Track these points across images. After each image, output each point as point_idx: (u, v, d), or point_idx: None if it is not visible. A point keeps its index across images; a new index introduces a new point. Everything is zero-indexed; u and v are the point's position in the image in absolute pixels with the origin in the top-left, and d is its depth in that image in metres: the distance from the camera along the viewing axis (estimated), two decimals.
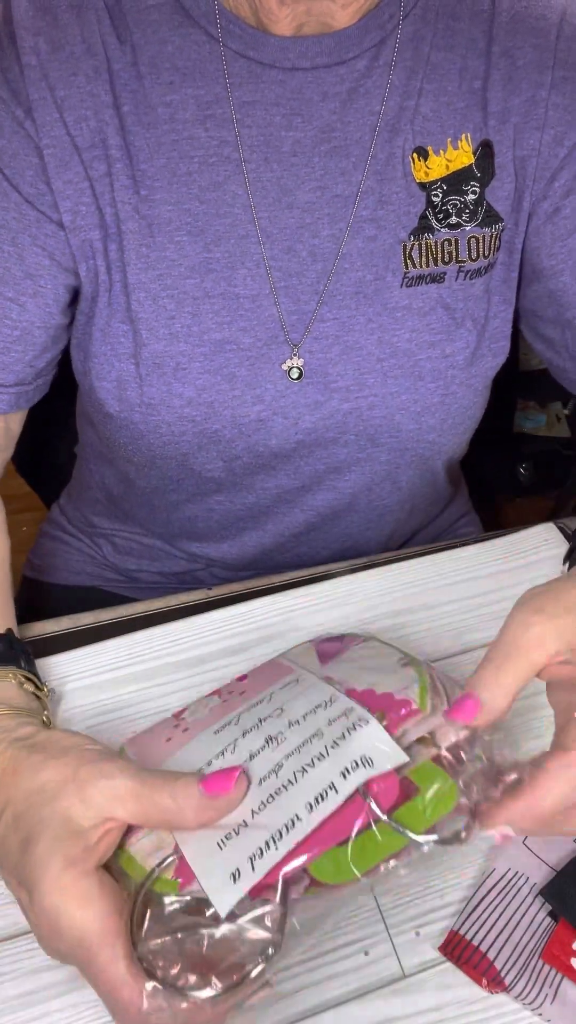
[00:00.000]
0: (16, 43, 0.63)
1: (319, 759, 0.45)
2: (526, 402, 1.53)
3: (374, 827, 0.43)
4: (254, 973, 0.41)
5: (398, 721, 0.46)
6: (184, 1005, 0.41)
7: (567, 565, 0.72)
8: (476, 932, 0.52)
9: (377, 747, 0.45)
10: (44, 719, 0.59)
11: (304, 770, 0.45)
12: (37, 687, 0.60)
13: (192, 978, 0.41)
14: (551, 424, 1.57)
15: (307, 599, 0.71)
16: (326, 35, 0.64)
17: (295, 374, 0.70)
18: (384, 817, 0.43)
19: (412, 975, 0.52)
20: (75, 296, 0.70)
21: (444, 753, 0.45)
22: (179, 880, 0.44)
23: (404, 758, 0.44)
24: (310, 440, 0.73)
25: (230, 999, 0.41)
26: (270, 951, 0.41)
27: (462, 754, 0.45)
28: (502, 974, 0.51)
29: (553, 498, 1.28)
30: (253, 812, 0.45)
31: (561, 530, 0.77)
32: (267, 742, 0.48)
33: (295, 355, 0.69)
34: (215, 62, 0.64)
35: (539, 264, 0.71)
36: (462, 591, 0.71)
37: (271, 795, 0.45)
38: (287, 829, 0.43)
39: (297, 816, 0.43)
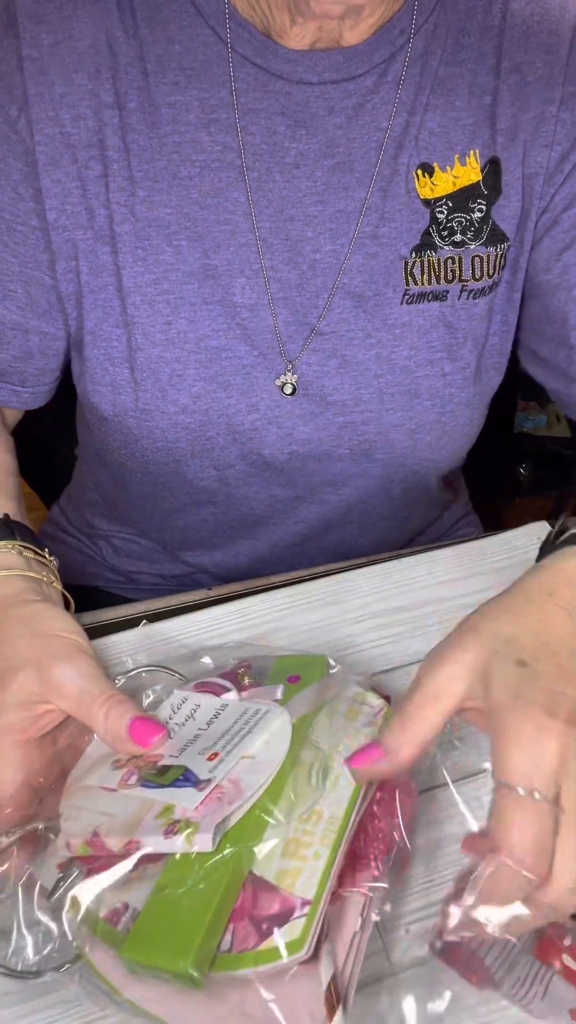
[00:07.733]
0: (18, 32, 0.61)
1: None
2: (526, 402, 1.53)
3: None
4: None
5: None
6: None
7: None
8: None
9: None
10: (46, 578, 0.63)
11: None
12: (38, 553, 0.64)
13: None
14: (551, 424, 1.58)
15: (303, 596, 0.71)
16: (336, 50, 0.63)
17: (288, 390, 0.69)
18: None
19: (402, 972, 0.52)
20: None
21: None
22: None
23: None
24: (304, 452, 0.72)
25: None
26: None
27: None
28: (492, 971, 0.51)
29: (553, 498, 1.28)
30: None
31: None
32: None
33: (289, 370, 0.69)
34: (222, 65, 0.63)
35: (536, 279, 0.70)
36: (455, 589, 0.71)
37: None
38: None
39: None
